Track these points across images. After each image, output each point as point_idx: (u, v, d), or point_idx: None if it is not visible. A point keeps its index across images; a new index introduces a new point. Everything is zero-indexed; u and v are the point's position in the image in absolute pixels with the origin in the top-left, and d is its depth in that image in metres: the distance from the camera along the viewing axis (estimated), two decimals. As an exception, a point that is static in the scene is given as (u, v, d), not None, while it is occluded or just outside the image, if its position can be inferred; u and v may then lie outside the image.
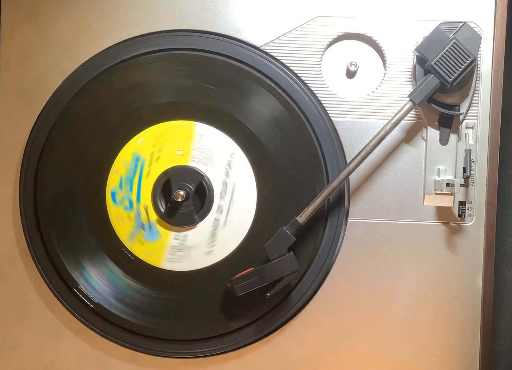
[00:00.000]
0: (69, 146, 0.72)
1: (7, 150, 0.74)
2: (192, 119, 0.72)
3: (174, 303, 0.73)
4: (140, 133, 0.72)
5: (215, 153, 0.72)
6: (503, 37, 0.73)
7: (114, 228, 0.72)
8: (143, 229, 0.72)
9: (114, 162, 0.72)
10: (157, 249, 0.72)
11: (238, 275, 0.68)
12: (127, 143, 0.72)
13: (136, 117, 0.72)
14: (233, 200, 0.72)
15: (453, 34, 0.69)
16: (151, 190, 0.72)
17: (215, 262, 0.72)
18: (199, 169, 0.72)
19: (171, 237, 0.73)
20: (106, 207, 0.72)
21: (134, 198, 0.72)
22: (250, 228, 0.72)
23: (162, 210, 0.72)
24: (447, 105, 0.72)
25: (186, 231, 0.73)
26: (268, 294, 0.68)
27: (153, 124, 0.72)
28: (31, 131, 0.73)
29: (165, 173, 0.72)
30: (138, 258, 0.72)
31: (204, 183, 0.72)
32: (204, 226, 0.72)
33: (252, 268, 0.69)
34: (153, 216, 0.72)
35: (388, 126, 0.69)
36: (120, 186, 0.72)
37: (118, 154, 0.72)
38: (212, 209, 0.72)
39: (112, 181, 0.72)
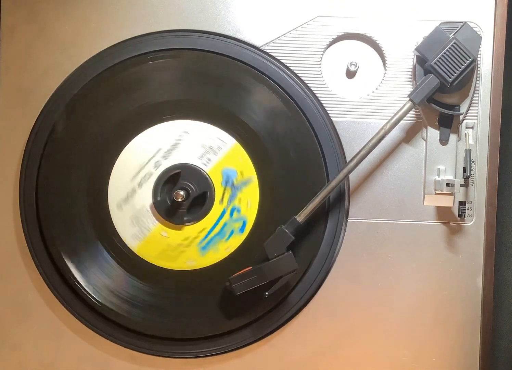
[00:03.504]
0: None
1: (7, 150, 0.74)
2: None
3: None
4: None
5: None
6: (503, 37, 0.73)
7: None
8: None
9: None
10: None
11: (236, 274, 0.68)
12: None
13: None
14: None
15: (453, 34, 0.69)
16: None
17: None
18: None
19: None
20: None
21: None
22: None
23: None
24: (447, 105, 0.72)
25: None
26: (267, 293, 0.68)
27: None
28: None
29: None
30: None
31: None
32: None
33: (251, 267, 0.69)
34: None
35: (388, 126, 0.69)
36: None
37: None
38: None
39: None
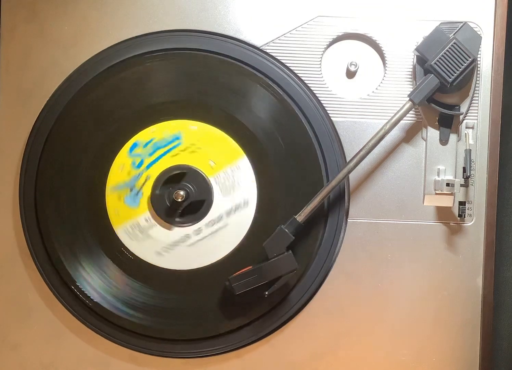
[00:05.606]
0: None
1: (7, 150, 0.74)
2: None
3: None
4: (196, 122, 0.72)
5: (235, 191, 0.72)
6: (503, 37, 0.73)
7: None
8: (130, 190, 0.72)
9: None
10: (125, 214, 0.73)
11: (236, 273, 0.68)
12: (179, 120, 0.72)
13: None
14: (214, 235, 0.72)
15: (453, 34, 0.69)
16: (164, 168, 0.72)
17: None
18: (213, 190, 0.72)
19: (144, 216, 0.73)
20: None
21: (146, 162, 0.72)
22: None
23: (157, 192, 0.72)
24: (447, 105, 0.72)
25: (158, 223, 0.73)
26: (267, 293, 0.68)
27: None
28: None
29: (186, 168, 0.72)
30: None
31: (205, 204, 0.72)
32: (174, 232, 0.73)
33: (251, 266, 0.69)
34: (147, 189, 0.72)
35: (388, 126, 0.69)
36: (146, 144, 0.72)
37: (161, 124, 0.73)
38: (192, 226, 0.72)
39: (143, 136, 0.72)
